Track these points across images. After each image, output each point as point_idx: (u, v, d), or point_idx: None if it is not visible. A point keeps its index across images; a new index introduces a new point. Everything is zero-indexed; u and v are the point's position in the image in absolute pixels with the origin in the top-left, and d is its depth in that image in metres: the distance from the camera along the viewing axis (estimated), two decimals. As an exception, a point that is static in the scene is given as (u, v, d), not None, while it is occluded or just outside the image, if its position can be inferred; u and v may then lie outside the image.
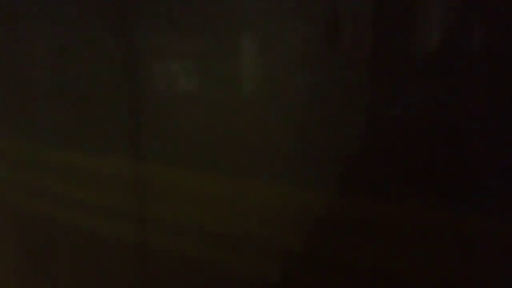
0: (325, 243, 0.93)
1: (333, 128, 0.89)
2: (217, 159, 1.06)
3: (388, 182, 0.85)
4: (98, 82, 1.27)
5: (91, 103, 1.29)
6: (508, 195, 0.73)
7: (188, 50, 1.08)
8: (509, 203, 0.73)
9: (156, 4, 1.11)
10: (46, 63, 1.39)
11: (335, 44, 0.88)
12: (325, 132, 0.90)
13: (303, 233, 0.95)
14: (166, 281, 1.22)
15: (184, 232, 1.15)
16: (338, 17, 0.86)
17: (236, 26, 0.99)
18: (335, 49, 0.88)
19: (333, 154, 0.90)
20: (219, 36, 1.02)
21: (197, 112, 1.09)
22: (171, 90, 1.15)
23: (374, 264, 0.87)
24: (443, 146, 0.79)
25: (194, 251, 1.14)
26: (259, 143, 0.99)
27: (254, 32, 0.99)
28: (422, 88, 0.80)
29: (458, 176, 0.78)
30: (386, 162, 0.85)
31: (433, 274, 0.81)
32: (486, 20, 0.74)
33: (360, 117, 0.87)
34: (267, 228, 1.00)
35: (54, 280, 1.52)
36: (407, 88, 0.82)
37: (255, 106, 1.01)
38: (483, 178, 0.76)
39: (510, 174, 0.73)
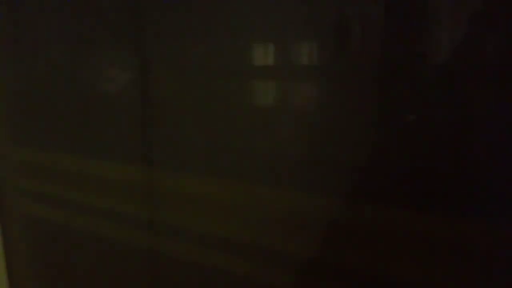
0: (338, 251, 0.92)
1: (342, 134, 0.89)
2: (230, 165, 1.06)
3: (403, 189, 0.84)
4: (110, 89, 1.28)
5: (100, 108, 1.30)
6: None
7: (197, 56, 1.08)
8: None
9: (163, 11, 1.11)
10: (56, 70, 1.41)
11: (344, 49, 0.87)
12: (335, 139, 0.90)
13: (314, 240, 0.95)
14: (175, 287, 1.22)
15: (193, 238, 1.15)
16: (348, 22, 0.86)
17: (243, 30, 0.99)
18: (345, 54, 0.88)
19: (344, 160, 0.89)
20: (227, 41, 1.02)
21: (206, 119, 1.09)
22: (180, 96, 1.15)
23: (385, 273, 0.86)
24: (460, 153, 0.78)
25: (202, 257, 1.13)
26: (269, 150, 0.99)
27: (262, 37, 0.99)
28: (434, 94, 0.79)
29: (480, 185, 0.76)
30: (397, 168, 0.84)
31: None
32: (497, 25, 0.73)
33: (370, 123, 0.86)
34: (277, 235, 1.00)
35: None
36: (418, 94, 0.81)
37: (265, 113, 1.00)
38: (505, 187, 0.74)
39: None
